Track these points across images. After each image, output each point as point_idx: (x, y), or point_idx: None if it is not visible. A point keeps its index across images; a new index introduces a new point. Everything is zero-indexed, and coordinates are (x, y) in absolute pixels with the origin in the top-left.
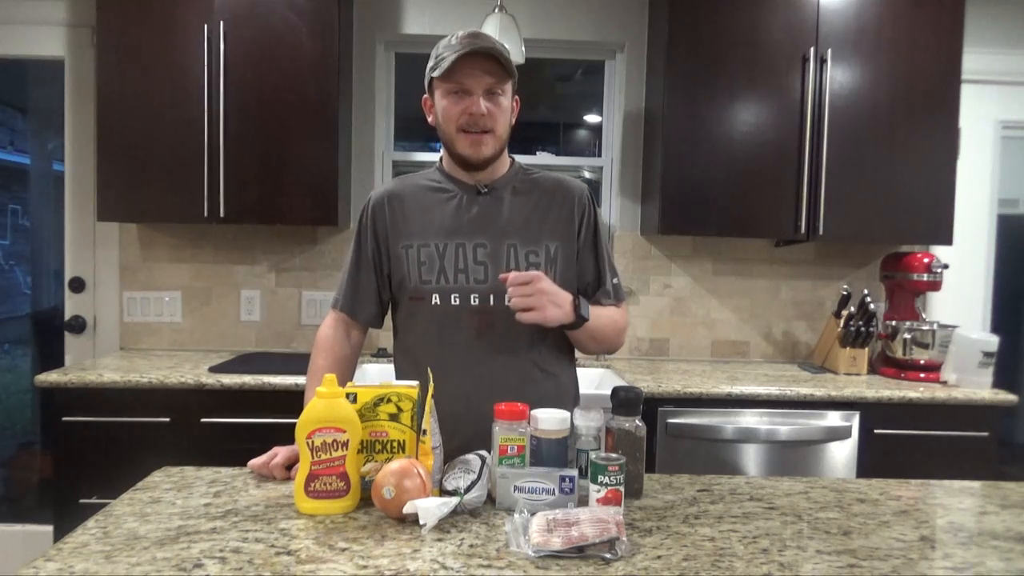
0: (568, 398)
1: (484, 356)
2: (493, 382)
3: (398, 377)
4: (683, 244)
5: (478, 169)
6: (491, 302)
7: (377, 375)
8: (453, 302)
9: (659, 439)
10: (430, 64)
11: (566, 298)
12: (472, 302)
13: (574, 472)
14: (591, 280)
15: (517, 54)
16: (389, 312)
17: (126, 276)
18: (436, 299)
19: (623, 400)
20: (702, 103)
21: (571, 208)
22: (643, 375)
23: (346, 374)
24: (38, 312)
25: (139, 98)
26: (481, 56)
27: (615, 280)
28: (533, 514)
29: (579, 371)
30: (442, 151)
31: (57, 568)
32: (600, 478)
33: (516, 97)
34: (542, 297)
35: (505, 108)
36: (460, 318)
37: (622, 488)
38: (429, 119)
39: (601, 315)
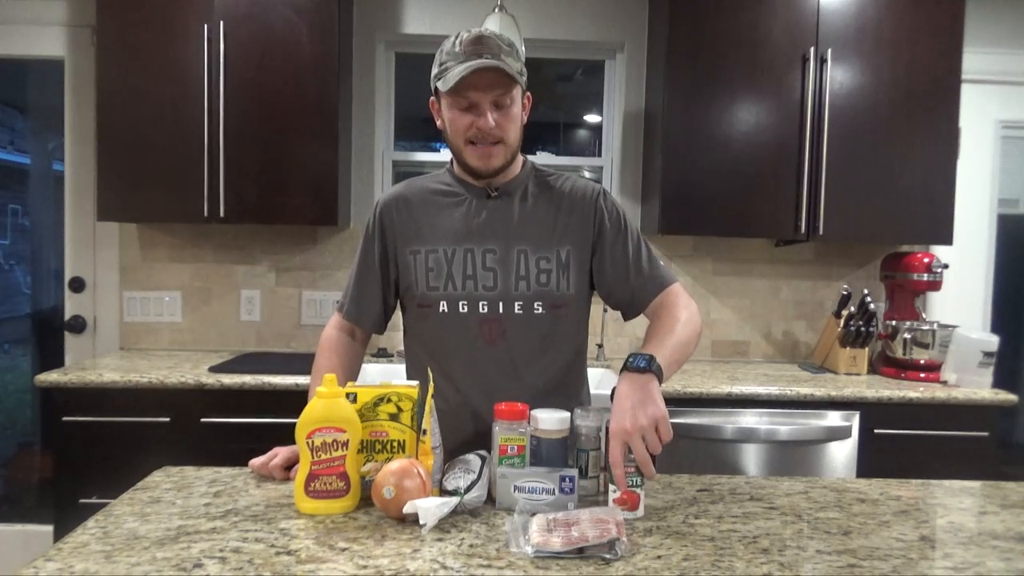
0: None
1: (494, 365)
2: (504, 392)
3: (408, 379)
4: (683, 244)
5: (488, 178)
6: (500, 309)
7: (377, 375)
8: (461, 309)
9: None
10: (434, 71)
11: (643, 383)
12: (481, 309)
13: (574, 472)
14: (633, 272)
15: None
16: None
17: (126, 276)
18: (444, 306)
19: None
20: (702, 103)
21: (585, 211)
22: None
23: (349, 375)
24: (38, 312)
25: (139, 98)
26: (487, 70)
27: (660, 262)
28: (533, 514)
29: None
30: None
31: (57, 568)
32: None
33: (528, 94)
34: (651, 432)
35: (514, 116)
36: (469, 326)
37: (639, 491)
38: (437, 123)
39: (676, 338)
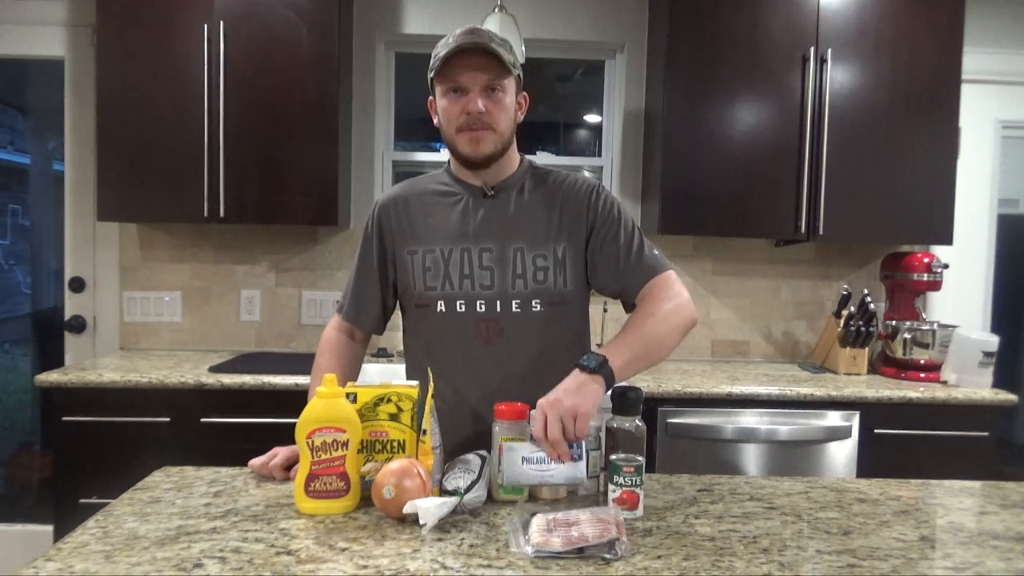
0: None
1: (493, 364)
2: (504, 392)
3: (408, 379)
4: (683, 244)
5: (481, 167)
6: (498, 308)
7: (377, 375)
8: (459, 309)
9: (659, 439)
10: (430, 64)
11: (584, 382)
12: (478, 308)
13: (582, 440)
14: (623, 261)
15: (517, 54)
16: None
17: (126, 276)
18: (441, 306)
19: (623, 400)
20: (702, 103)
21: (579, 205)
22: (643, 375)
23: (349, 375)
24: (38, 312)
25: (139, 98)
26: (476, 52)
27: (655, 251)
28: (533, 514)
29: None
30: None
31: (57, 568)
32: (616, 478)
33: (524, 94)
34: (569, 418)
35: (506, 105)
36: (467, 326)
37: (638, 491)
38: (435, 121)
39: (645, 335)
